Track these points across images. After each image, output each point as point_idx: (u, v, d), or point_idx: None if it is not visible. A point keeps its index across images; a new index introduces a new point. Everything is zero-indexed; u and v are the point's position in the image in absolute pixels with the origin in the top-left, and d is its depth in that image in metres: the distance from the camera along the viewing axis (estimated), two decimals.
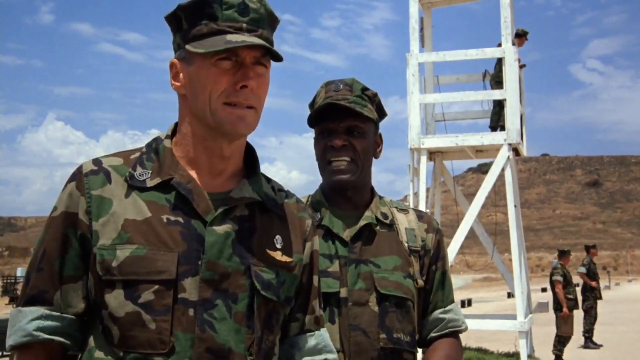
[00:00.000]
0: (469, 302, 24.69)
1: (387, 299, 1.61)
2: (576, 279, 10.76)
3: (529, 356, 9.03)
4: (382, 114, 1.77)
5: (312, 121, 1.71)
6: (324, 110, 1.66)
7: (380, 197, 1.77)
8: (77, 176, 1.18)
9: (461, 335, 1.75)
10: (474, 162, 20.61)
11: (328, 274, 1.58)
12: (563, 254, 10.55)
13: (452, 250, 8.31)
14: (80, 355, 1.17)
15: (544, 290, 28.42)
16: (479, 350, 10.18)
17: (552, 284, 10.23)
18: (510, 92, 8.53)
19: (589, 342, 11.58)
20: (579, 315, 10.70)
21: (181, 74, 1.21)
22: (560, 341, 9.94)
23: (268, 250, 1.23)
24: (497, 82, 9.42)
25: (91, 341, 1.14)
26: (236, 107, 1.16)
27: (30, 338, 1.11)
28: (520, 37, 9.78)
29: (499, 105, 9.31)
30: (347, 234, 1.65)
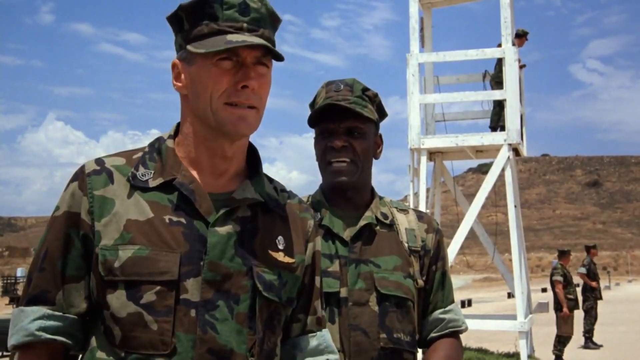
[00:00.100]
0: (469, 303, 24.63)
1: (387, 299, 1.61)
2: (576, 279, 10.75)
3: (529, 356, 9.03)
4: (382, 114, 1.77)
5: (313, 121, 1.71)
6: (324, 111, 1.66)
7: (381, 198, 1.77)
8: (80, 176, 1.18)
9: (461, 336, 1.75)
10: (474, 163, 20.61)
11: (328, 274, 1.58)
12: (563, 254, 10.55)
13: (452, 250, 8.31)
14: (81, 355, 1.17)
15: (544, 290, 28.37)
16: (479, 350, 10.19)
17: (553, 284, 10.23)
18: (510, 93, 8.53)
19: (589, 342, 11.58)
20: (579, 315, 10.69)
21: (183, 75, 1.20)
22: (561, 341, 9.94)
23: (270, 251, 1.23)
24: (497, 82, 9.42)
25: (93, 341, 1.14)
26: (237, 107, 1.16)
27: (32, 338, 1.11)
28: (520, 37, 9.79)
29: (499, 106, 9.31)
30: (347, 234, 1.65)
